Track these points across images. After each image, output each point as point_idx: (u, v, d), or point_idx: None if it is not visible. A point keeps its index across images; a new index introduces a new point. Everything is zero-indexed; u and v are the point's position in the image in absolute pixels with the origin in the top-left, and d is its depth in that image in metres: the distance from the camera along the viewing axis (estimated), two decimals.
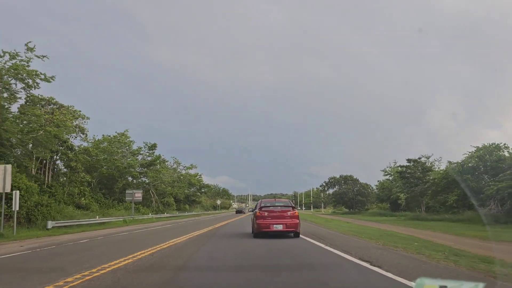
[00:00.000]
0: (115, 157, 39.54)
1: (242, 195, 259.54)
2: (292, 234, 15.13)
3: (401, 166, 46.45)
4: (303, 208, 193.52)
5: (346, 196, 79.99)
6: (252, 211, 18.14)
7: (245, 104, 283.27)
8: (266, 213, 14.89)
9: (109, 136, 41.37)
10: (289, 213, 14.94)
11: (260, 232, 14.74)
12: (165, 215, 43.48)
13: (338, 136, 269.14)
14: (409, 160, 45.10)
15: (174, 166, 52.59)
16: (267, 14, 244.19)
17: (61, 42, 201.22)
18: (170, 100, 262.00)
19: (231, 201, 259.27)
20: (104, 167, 38.26)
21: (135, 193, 32.86)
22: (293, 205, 16.03)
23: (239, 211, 70.55)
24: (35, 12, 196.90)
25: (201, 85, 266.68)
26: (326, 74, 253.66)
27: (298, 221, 15.01)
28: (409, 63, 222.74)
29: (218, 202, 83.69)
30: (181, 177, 48.83)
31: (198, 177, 61.63)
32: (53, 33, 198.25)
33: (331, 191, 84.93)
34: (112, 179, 39.71)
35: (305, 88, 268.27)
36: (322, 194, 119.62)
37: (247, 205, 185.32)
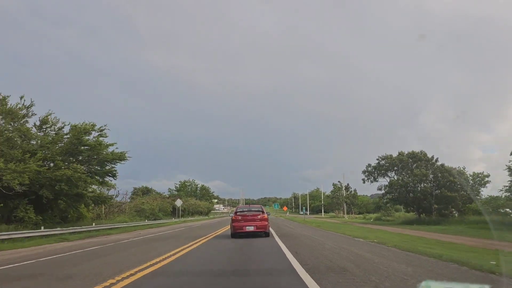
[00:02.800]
0: None
1: (234, 199, 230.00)
2: (263, 234, 17.48)
3: None
4: (308, 213, 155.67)
5: (417, 189, 42.23)
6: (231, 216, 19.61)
7: (239, 108, 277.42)
8: (240, 217, 17.67)
9: None
10: (259, 216, 17.63)
11: (236, 233, 17.40)
12: None
13: (332, 140, 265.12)
14: None
15: None
16: (262, 19, 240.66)
17: (55, 46, 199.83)
18: (165, 105, 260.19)
19: (222, 205, 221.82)
20: None
21: None
22: (263, 210, 18.36)
23: None
24: (29, 16, 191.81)
25: (196, 89, 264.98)
26: (320, 78, 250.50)
27: (267, 223, 17.70)
28: (402, 67, 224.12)
29: (178, 203, 45.83)
30: None
31: (95, 132, 23.06)
32: (48, 37, 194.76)
33: (382, 182, 46.85)
34: None
35: (299, 92, 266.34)
36: (344, 191, 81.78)
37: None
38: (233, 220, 17.92)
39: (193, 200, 66.80)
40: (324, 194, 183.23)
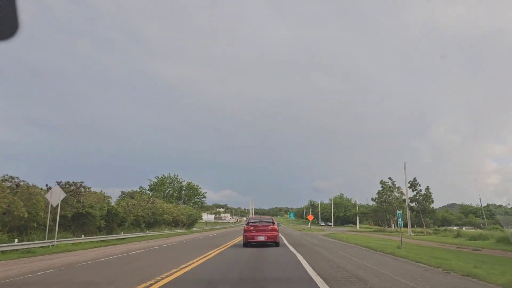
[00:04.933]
0: None
1: (243, 209, 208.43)
2: (274, 244, 18.56)
3: None
4: (332, 224, 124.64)
5: None
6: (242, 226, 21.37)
7: (250, 119, 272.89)
8: (252, 227, 18.77)
9: None
10: (269, 227, 18.75)
11: (248, 242, 18.43)
12: None
13: (342, 151, 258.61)
14: None
15: None
16: (274, 31, 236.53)
17: (67, 57, 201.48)
18: (175, 115, 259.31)
19: (229, 215, 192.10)
20: None
21: None
22: (274, 221, 19.56)
23: None
24: (43, 27, 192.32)
25: (208, 100, 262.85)
26: (330, 90, 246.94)
27: (277, 233, 18.83)
28: (414, 78, 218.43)
29: (53, 198, 16.92)
30: None
31: None
32: (60, 48, 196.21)
33: None
34: None
35: (310, 103, 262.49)
36: (407, 191, 51.13)
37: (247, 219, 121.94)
38: (245, 230, 18.84)
39: (146, 203, 36.91)
40: (349, 200, 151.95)
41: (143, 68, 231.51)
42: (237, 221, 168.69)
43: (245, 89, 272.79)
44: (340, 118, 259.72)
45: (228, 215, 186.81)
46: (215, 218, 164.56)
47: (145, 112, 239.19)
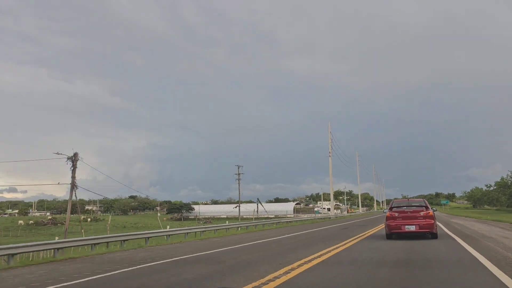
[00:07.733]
0: None
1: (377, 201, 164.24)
2: (429, 235, 14.71)
3: None
4: None
5: None
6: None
7: (384, 108, 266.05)
8: (396, 214, 14.82)
9: None
10: (422, 213, 14.54)
11: (392, 233, 14.77)
12: None
13: (503, 134, 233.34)
14: None
15: None
16: (404, 9, 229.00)
17: (204, 64, 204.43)
18: (303, 109, 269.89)
19: (327, 202, 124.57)
20: None
21: None
22: (427, 205, 15.11)
23: None
24: (180, 39, 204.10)
25: (340, 92, 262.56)
26: (476, 68, 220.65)
27: (433, 221, 14.55)
28: None
29: None
30: None
31: None
32: (196, 56, 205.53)
33: None
34: None
35: (454, 84, 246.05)
36: None
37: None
38: (387, 218, 15.19)
39: None
40: None
41: (275, 67, 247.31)
42: (347, 212, 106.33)
43: (377, 77, 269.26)
44: (496, 99, 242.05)
45: (326, 204, 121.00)
46: (296, 210, 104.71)
47: (282, 111, 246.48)
